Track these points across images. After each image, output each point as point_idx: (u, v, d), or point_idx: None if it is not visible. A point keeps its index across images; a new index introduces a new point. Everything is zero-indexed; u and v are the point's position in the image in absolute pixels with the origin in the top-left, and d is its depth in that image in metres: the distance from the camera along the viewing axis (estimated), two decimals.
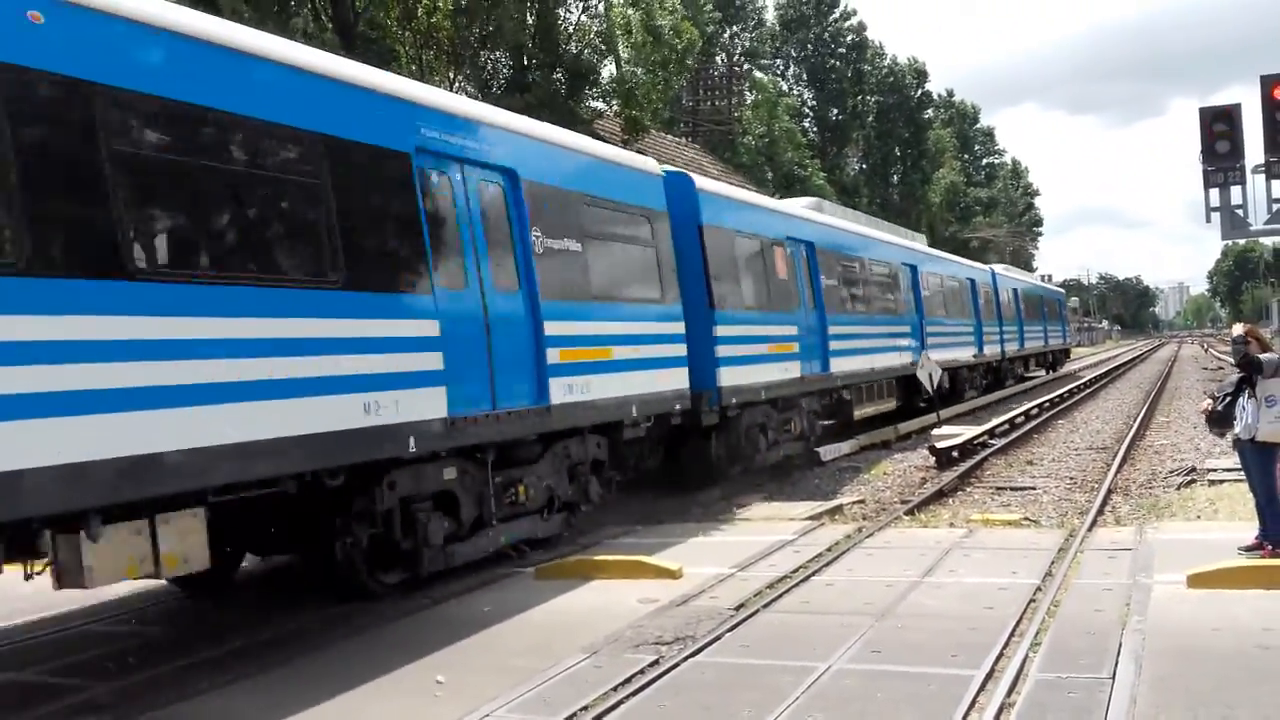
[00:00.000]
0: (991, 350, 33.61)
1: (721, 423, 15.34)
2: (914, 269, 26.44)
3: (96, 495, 6.53)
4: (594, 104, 36.57)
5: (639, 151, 21.53)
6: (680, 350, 13.94)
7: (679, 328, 14.02)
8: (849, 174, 76.63)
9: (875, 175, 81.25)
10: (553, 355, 11.01)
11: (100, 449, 6.46)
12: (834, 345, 19.49)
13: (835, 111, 77.47)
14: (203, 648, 8.38)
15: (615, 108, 36.11)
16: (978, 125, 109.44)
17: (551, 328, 11.01)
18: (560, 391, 11.09)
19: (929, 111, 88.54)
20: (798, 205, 22.04)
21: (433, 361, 9.20)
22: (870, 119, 79.12)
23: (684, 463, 15.55)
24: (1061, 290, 68.40)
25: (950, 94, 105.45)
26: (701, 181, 16.34)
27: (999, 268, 41.75)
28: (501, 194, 10.73)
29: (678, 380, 13.78)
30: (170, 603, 10.33)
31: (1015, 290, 40.03)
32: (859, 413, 21.70)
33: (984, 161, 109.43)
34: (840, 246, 21.45)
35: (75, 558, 6.71)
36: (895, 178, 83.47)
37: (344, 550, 9.21)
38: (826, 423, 19.84)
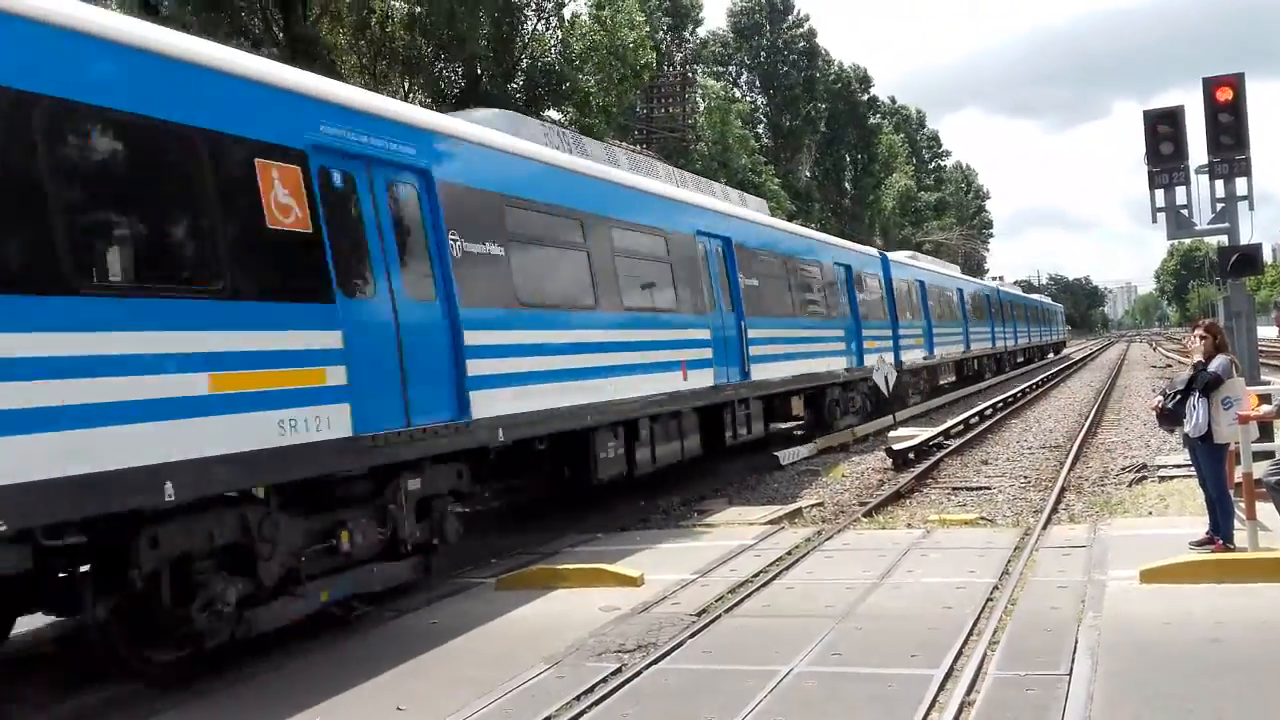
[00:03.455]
0: (1039, 340, 66.31)
1: None
2: (1000, 299, 50.21)
3: None
4: (551, 113, 36.58)
5: None
6: None
7: None
8: (802, 180, 77.12)
9: (828, 181, 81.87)
10: None
11: None
12: None
13: (788, 118, 77.96)
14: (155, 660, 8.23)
15: (571, 115, 36.14)
16: (924, 130, 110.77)
17: None
18: None
19: (875, 117, 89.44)
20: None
21: None
22: (821, 124, 79.75)
23: None
24: (1060, 305, 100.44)
25: (893, 100, 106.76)
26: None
27: (1039, 296, 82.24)
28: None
29: None
30: None
31: (1044, 308, 74.81)
32: None
33: (931, 165, 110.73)
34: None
35: None
36: (847, 183, 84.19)
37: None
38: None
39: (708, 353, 15.81)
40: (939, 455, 18.96)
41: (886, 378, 23.15)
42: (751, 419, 17.52)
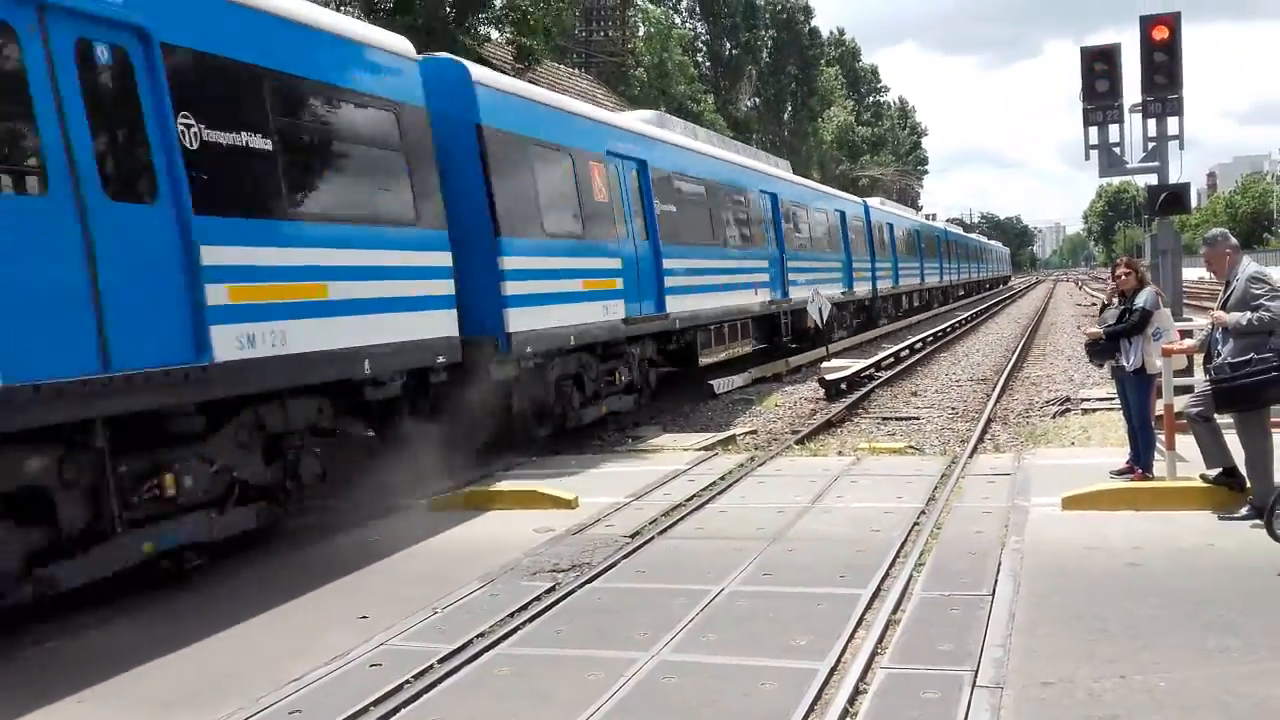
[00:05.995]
0: (990, 274, 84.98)
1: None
2: (982, 247, 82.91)
3: None
4: (484, 30, 35.76)
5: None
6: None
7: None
8: (741, 110, 76.62)
9: (768, 112, 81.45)
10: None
11: None
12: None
13: (729, 46, 77.22)
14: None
15: (507, 34, 35.38)
16: (860, 63, 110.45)
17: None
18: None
19: (821, 47, 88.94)
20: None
21: None
22: (764, 55, 79.11)
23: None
24: (1006, 249, 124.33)
25: (842, 32, 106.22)
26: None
27: (996, 242, 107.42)
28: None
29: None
30: None
31: (998, 250, 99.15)
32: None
33: (869, 100, 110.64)
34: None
35: None
36: (786, 115, 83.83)
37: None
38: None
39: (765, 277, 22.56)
40: (870, 386, 19.24)
41: (821, 309, 23.30)
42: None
